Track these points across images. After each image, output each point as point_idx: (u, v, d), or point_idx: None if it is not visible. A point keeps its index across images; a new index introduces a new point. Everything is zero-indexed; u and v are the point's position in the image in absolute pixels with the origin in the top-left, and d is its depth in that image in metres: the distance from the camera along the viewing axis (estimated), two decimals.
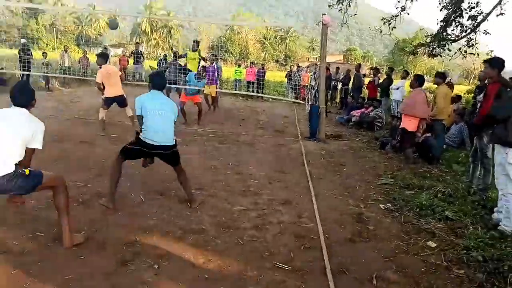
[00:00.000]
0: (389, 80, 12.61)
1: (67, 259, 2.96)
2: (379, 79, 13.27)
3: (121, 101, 7.98)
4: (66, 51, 17.56)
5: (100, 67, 7.66)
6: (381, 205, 4.70)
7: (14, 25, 55.47)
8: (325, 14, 7.62)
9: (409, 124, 6.97)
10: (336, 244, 3.57)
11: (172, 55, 14.52)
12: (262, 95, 13.79)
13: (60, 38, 56.68)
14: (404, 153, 7.23)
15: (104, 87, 7.63)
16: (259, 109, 13.95)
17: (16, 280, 2.67)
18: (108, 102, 7.81)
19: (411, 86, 7.46)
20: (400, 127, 7.31)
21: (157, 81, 4.23)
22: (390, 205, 4.72)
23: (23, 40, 15.44)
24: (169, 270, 2.95)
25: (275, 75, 26.66)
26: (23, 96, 3.19)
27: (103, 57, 7.88)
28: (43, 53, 16.91)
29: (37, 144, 3.19)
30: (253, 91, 13.85)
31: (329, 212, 4.36)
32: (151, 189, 4.62)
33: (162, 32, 65.17)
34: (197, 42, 13.21)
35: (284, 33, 69.93)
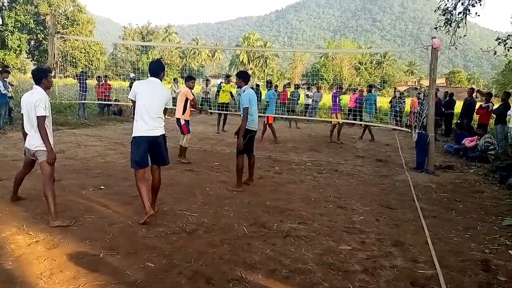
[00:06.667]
0: (505, 106, 11.41)
1: None
2: (493, 104, 12.06)
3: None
4: (175, 81, 18.92)
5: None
6: (510, 252, 4.06)
7: (128, 60, 62.18)
8: (435, 38, 7.15)
9: None
10: None
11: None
12: (361, 122, 13.28)
13: (166, 71, 61.96)
14: None
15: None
16: (357, 136, 13.47)
17: None
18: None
19: None
20: None
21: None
22: None
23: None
24: None
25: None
26: (160, 69, 4.39)
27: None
28: None
29: (170, 104, 4.39)
30: (353, 118, 13.40)
31: (448, 256, 3.86)
32: (254, 221, 4.56)
33: (258, 62, 67.85)
34: (228, 76, 14.25)
35: (381, 57, 68.05)
